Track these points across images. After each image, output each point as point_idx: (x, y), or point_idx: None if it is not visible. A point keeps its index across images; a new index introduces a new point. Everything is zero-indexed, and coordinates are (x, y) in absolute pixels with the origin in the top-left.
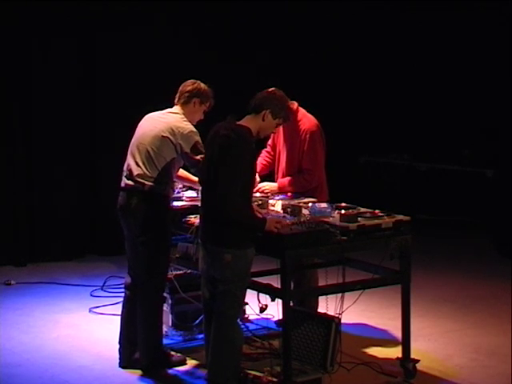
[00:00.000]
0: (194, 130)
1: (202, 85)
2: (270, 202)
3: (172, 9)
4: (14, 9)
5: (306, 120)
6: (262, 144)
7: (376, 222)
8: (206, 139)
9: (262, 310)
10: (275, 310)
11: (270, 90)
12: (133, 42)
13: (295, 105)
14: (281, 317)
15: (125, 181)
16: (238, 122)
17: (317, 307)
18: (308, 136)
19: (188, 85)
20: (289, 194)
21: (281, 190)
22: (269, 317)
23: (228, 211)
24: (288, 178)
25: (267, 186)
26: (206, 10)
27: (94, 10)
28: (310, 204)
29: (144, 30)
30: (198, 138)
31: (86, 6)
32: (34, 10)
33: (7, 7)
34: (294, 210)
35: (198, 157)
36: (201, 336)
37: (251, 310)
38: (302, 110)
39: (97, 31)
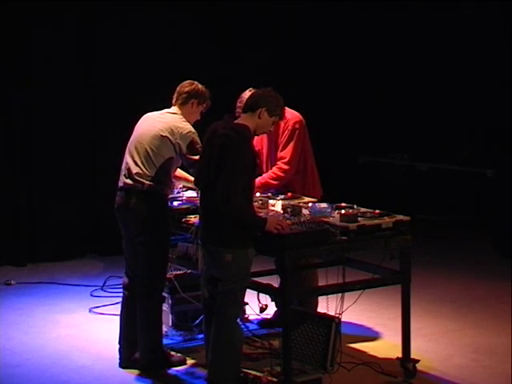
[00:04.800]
0: (193, 130)
1: (200, 86)
2: (270, 201)
3: (172, 8)
4: (14, 4)
5: (289, 114)
6: None
7: (376, 221)
8: (203, 139)
9: (262, 310)
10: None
11: (265, 88)
12: (133, 41)
13: None
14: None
15: (123, 180)
16: (235, 121)
17: (317, 307)
18: (289, 126)
19: (186, 86)
20: (289, 194)
21: (260, 189)
22: (269, 317)
23: (229, 210)
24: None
25: None
26: (206, 10)
27: (94, 7)
28: (310, 204)
29: (144, 29)
30: (197, 138)
31: (87, 4)
32: (35, 6)
33: (9, 5)
34: (294, 210)
35: (197, 157)
36: (201, 336)
37: (251, 310)
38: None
39: (96, 30)
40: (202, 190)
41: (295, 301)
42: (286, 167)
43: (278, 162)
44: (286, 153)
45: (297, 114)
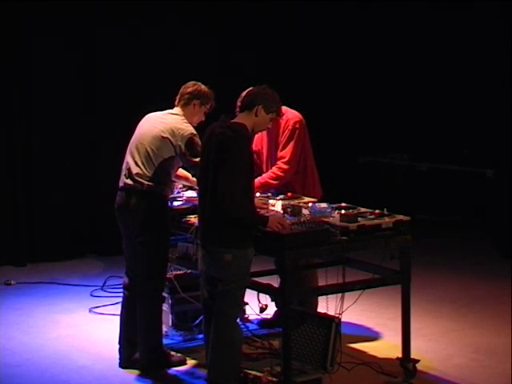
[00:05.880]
0: (194, 132)
1: (203, 86)
2: (270, 201)
3: (172, 8)
4: (14, 4)
5: (289, 114)
6: None
7: (376, 221)
8: (201, 140)
9: (262, 310)
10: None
11: (260, 86)
12: (134, 41)
13: None
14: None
15: (124, 180)
16: (232, 121)
17: (317, 307)
18: (289, 126)
19: (189, 86)
20: (289, 194)
21: (260, 189)
22: (269, 317)
23: (230, 209)
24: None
25: None
26: (206, 10)
27: (94, 7)
28: (310, 204)
29: (145, 29)
30: (197, 140)
31: (87, 5)
32: (35, 6)
33: (9, 5)
34: (294, 210)
35: (197, 159)
36: (201, 336)
37: (251, 310)
38: (284, 107)
39: (97, 30)
40: (201, 189)
41: (295, 301)
42: (285, 167)
43: (278, 162)
44: (286, 152)
45: (297, 113)
